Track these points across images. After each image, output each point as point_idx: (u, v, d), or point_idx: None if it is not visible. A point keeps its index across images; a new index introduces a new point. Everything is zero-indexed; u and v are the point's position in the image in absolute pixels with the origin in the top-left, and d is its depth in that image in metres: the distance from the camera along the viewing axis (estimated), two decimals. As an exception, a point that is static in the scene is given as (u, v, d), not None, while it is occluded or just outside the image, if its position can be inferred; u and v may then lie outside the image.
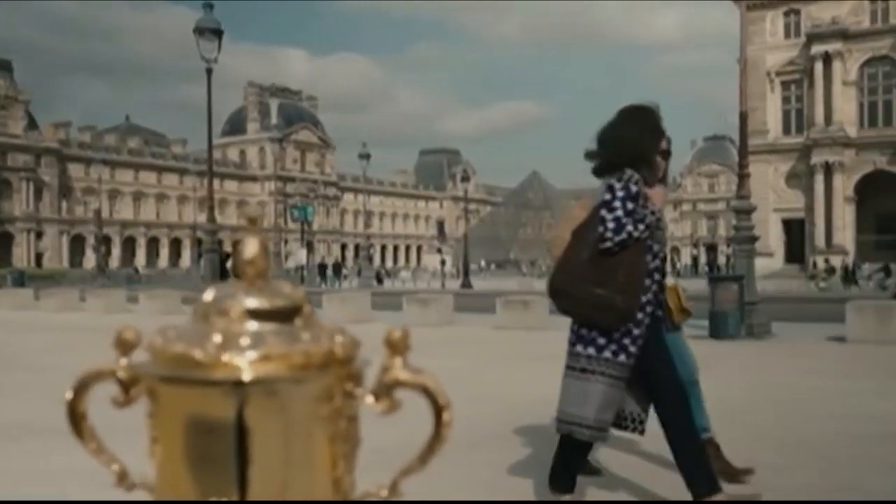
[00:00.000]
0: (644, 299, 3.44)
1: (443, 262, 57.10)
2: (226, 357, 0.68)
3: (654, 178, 3.59)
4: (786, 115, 56.84)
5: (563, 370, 3.58)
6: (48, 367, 9.03)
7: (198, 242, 58.48)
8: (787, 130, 56.53)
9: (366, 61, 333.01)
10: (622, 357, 3.41)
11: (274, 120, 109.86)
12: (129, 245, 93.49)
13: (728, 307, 11.48)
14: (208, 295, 0.76)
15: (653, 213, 3.46)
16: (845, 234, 53.81)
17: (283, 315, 0.74)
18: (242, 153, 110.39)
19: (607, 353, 3.41)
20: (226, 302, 0.74)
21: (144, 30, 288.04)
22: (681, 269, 63.72)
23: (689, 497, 3.48)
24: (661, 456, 4.53)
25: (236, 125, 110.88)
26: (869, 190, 53.90)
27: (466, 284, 38.78)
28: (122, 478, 0.80)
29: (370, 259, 50.16)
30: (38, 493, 4.13)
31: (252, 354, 0.68)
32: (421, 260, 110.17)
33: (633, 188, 3.42)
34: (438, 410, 0.76)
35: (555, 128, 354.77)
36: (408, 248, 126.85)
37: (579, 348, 3.47)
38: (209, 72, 18.05)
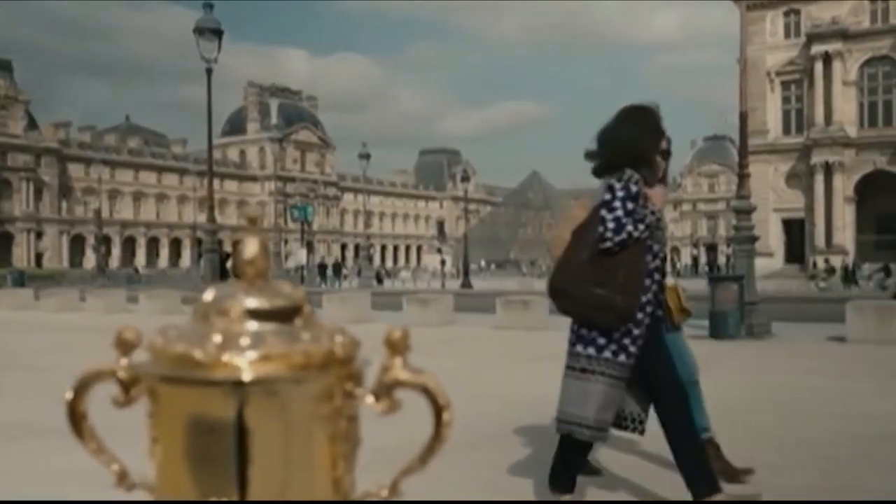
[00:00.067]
0: (644, 299, 3.44)
1: (443, 262, 57.10)
2: (226, 357, 0.68)
3: (655, 178, 3.59)
4: (786, 115, 56.85)
5: (563, 370, 3.58)
6: (48, 368, 9.03)
7: (198, 242, 58.47)
8: (787, 130, 56.55)
9: (366, 61, 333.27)
10: (622, 357, 3.41)
11: (274, 120, 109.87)
12: (129, 245, 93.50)
13: (728, 307, 11.48)
14: (208, 295, 0.76)
15: (653, 213, 3.46)
16: (845, 234, 53.82)
17: (284, 315, 0.74)
18: (242, 153, 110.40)
19: (607, 353, 3.41)
20: (226, 302, 0.74)
21: (144, 30, 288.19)
22: (681, 269, 63.72)
23: (688, 497, 3.48)
24: (660, 456, 4.53)
25: (236, 125, 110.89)
26: (869, 190, 53.91)
27: (466, 284, 38.77)
28: (123, 478, 0.80)
29: (370, 259, 50.16)
30: (38, 493, 4.13)
31: (252, 354, 0.69)
32: (421, 260, 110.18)
33: (633, 188, 3.42)
34: (439, 410, 0.76)
35: (555, 128, 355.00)
36: (408, 248, 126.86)
37: (579, 348, 3.47)
38: (209, 72, 18.06)
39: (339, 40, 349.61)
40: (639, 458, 4.71)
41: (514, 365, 9.42)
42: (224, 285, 0.78)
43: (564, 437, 3.58)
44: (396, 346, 0.75)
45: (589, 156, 3.70)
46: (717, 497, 3.41)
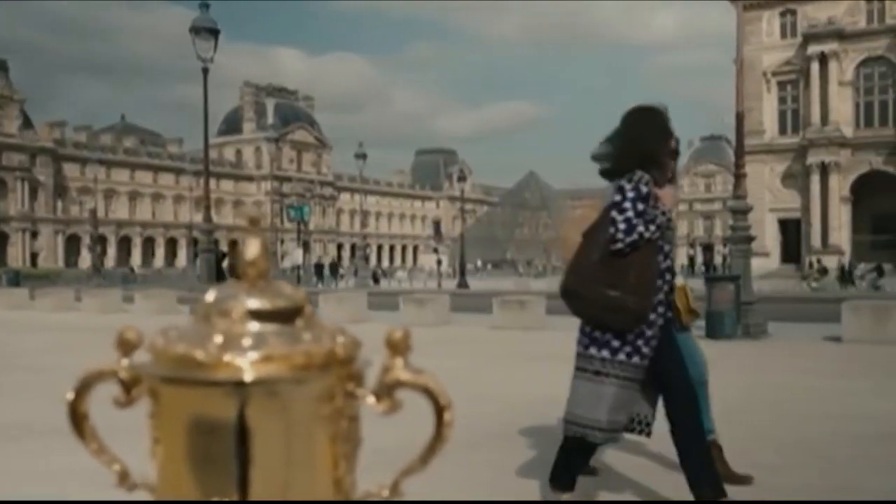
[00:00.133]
0: (656, 300, 3.43)
1: (439, 262, 57.00)
2: (227, 357, 0.68)
3: (664, 178, 3.58)
4: (782, 115, 56.95)
5: (572, 371, 3.56)
6: (47, 368, 9.02)
7: (194, 242, 58.37)
8: (783, 130, 56.65)
9: (362, 61, 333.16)
10: (636, 359, 3.40)
11: (270, 120, 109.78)
12: (124, 245, 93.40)
13: (724, 307, 11.48)
14: (210, 296, 0.76)
15: (663, 213, 3.45)
16: (841, 235, 53.92)
17: (285, 316, 0.74)
18: (238, 153, 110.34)
19: (622, 356, 3.39)
20: (227, 303, 0.74)
21: (141, 29, 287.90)
22: (676, 270, 63.71)
23: (688, 496, 3.47)
24: (660, 455, 4.53)
25: (232, 125, 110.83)
26: (865, 190, 54.02)
27: (463, 284, 38.74)
28: (124, 478, 0.80)
29: (366, 259, 50.14)
30: (38, 493, 4.12)
31: (254, 355, 0.69)
32: (417, 260, 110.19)
33: (644, 189, 3.41)
34: (440, 411, 0.76)
35: (552, 128, 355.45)
36: (404, 248, 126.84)
37: (593, 351, 3.45)
38: (205, 71, 18.03)
39: (336, 40, 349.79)
40: (638, 457, 4.70)
41: (512, 365, 9.41)
42: (225, 286, 0.78)
43: (571, 438, 3.56)
44: (397, 347, 0.75)
45: (596, 158, 3.68)
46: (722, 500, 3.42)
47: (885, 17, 53.53)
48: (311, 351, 0.70)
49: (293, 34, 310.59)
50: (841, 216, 54.25)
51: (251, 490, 0.69)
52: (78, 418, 0.78)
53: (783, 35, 56.41)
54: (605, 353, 3.41)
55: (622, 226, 3.35)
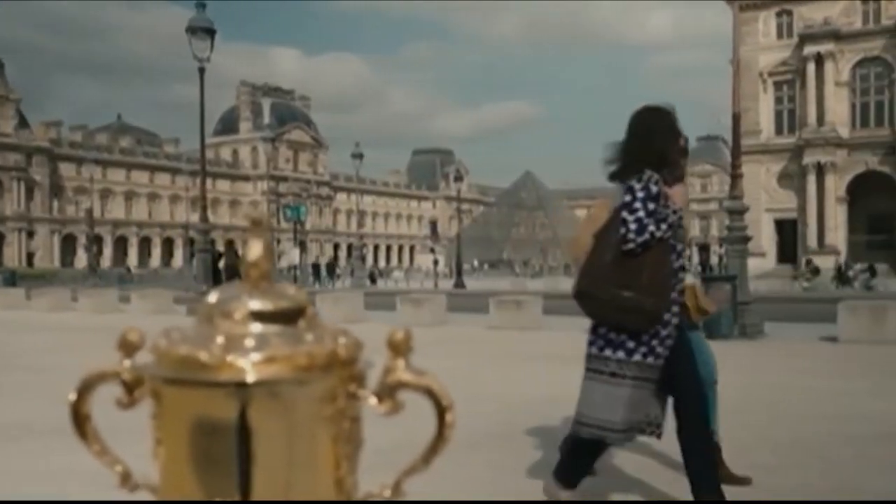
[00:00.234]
0: (671, 299, 3.43)
1: (436, 262, 57.12)
2: (230, 359, 0.69)
3: (674, 177, 3.57)
4: (778, 115, 57.02)
5: (582, 373, 3.54)
6: (46, 367, 9.03)
7: (190, 242, 58.30)
8: (779, 131, 56.72)
9: (359, 61, 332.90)
10: (651, 359, 3.39)
11: (266, 119, 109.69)
12: (120, 245, 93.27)
13: (721, 307, 11.49)
14: (212, 297, 0.77)
15: (674, 212, 3.44)
16: (837, 235, 54.00)
17: (287, 317, 0.74)
18: (235, 153, 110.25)
19: (637, 357, 3.38)
20: (230, 304, 0.74)
21: (137, 29, 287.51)
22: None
23: (687, 495, 3.48)
24: (660, 454, 4.53)
25: (228, 125, 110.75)
26: (861, 190, 54.10)
27: (459, 284, 38.75)
28: (126, 479, 0.80)
29: (363, 259, 50.10)
30: (38, 493, 4.12)
31: (256, 356, 0.69)
32: (414, 260, 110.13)
33: (654, 188, 3.40)
34: (441, 411, 0.76)
35: (548, 128, 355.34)
36: (401, 248, 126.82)
37: (608, 353, 3.43)
38: (201, 71, 18.04)
39: (333, 40, 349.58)
40: (638, 456, 4.70)
41: (510, 365, 9.41)
42: (228, 287, 0.78)
43: (582, 439, 3.56)
44: (399, 348, 0.76)
45: (609, 162, 3.65)
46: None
47: (881, 18, 53.62)
48: (313, 352, 0.71)
49: (290, 34, 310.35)
50: (837, 216, 54.34)
51: (253, 491, 0.69)
52: (80, 419, 0.78)
53: (779, 35, 56.49)
54: (621, 355, 3.40)
55: (633, 226, 3.34)
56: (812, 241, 53.73)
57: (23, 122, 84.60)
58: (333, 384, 0.72)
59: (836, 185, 54.34)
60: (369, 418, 0.77)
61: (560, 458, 3.74)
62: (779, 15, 56.33)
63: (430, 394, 0.76)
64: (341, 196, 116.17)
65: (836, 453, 4.92)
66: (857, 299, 14.34)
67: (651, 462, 4.59)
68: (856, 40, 54.11)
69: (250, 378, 0.68)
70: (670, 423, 3.56)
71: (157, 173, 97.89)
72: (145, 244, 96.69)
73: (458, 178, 51.25)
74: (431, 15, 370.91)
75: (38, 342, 12.30)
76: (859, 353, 9.90)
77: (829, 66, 54.08)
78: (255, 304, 0.74)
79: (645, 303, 3.33)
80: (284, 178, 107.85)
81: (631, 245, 3.35)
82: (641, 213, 3.36)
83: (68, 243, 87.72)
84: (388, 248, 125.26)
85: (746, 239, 12.97)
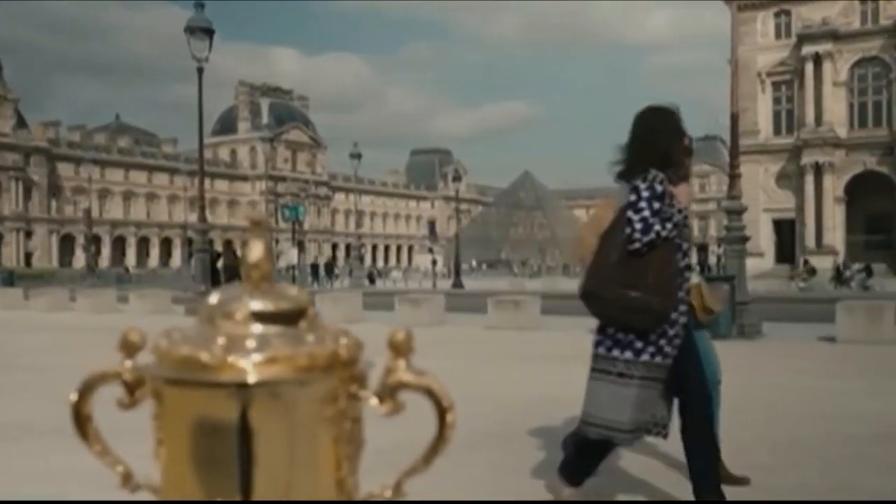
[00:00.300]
0: (678, 298, 3.43)
1: (434, 262, 57.16)
2: (231, 359, 0.69)
3: (678, 176, 3.58)
4: (776, 115, 57.06)
5: (588, 373, 3.53)
6: (46, 367, 9.03)
7: (188, 242, 58.27)
8: (777, 131, 56.75)
9: (358, 61, 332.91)
10: (659, 358, 3.39)
11: (265, 119, 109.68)
12: (119, 245, 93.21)
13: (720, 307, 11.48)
14: (213, 298, 0.77)
15: (679, 211, 3.44)
16: (835, 235, 54.03)
17: (288, 317, 0.75)
18: (233, 153, 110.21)
19: (645, 357, 3.38)
20: (231, 305, 0.74)
21: (136, 29, 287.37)
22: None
23: (685, 494, 3.49)
24: (659, 453, 4.53)
25: (227, 125, 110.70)
26: (859, 190, 54.13)
27: (458, 284, 38.75)
28: (127, 479, 0.80)
29: (361, 259, 50.10)
30: (38, 493, 4.12)
31: (257, 357, 0.69)
32: (412, 260, 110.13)
33: (659, 188, 3.40)
34: (442, 412, 0.77)
35: (547, 128, 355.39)
36: (399, 248, 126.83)
37: (616, 353, 3.42)
38: (200, 71, 18.04)
39: (332, 40, 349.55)
40: (637, 455, 4.70)
41: (508, 365, 9.42)
42: (229, 288, 0.78)
43: (588, 439, 3.56)
44: (400, 349, 0.76)
45: (614, 164, 3.66)
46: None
47: (879, 18, 53.65)
48: (314, 353, 0.71)
49: (289, 34, 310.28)
50: (835, 216, 54.37)
51: (254, 491, 0.69)
52: (81, 420, 0.78)
53: (777, 35, 56.52)
54: (629, 355, 3.39)
55: (639, 225, 3.34)
56: (810, 241, 53.76)
57: (21, 122, 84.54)
58: (334, 385, 0.72)
59: (834, 186, 54.37)
60: (370, 418, 0.77)
61: (565, 455, 3.74)
62: (777, 15, 56.37)
63: (430, 394, 0.76)
64: (340, 196, 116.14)
65: (835, 453, 4.92)
66: (854, 299, 14.35)
67: (652, 462, 4.60)
68: (854, 40, 54.15)
69: (251, 379, 0.68)
70: (673, 423, 3.57)
71: (155, 173, 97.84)
72: (143, 244, 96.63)
73: (457, 179, 51.24)
74: (431, 15, 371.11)
75: (36, 342, 12.30)
76: (857, 353, 9.91)
77: (827, 67, 54.12)
78: (257, 305, 0.74)
79: (652, 302, 3.33)
80: (283, 178, 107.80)
81: (637, 245, 3.35)
82: (647, 213, 3.36)
83: (66, 243, 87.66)
84: (387, 248, 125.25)
85: (745, 239, 12.97)
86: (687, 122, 3.69)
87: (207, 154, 77.16)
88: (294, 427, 0.70)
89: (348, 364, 0.73)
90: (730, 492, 3.69)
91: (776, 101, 57.03)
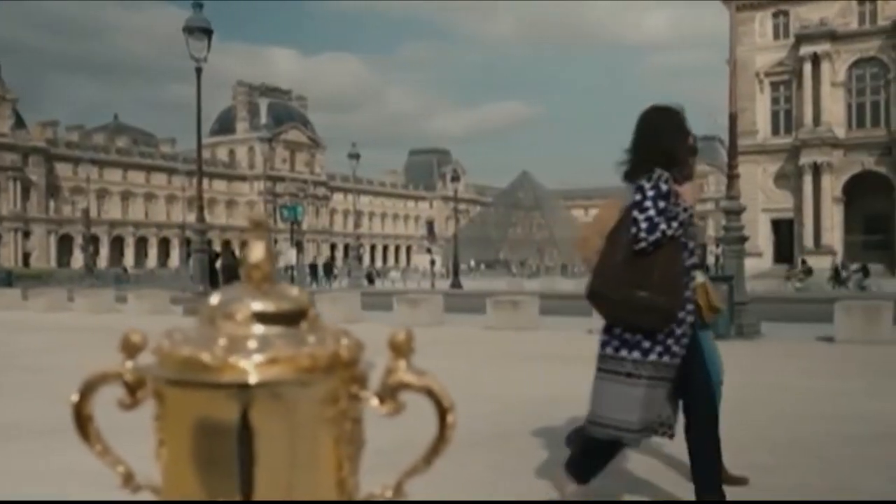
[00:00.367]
0: (685, 297, 3.42)
1: (432, 262, 57.13)
2: (232, 360, 0.69)
3: (683, 176, 3.57)
4: (774, 115, 57.09)
5: (594, 373, 3.51)
6: (45, 367, 9.04)
7: (187, 242, 58.21)
8: (775, 131, 56.78)
9: (356, 61, 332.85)
10: (667, 358, 3.38)
11: (263, 119, 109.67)
12: (117, 245, 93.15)
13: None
14: (214, 298, 0.77)
15: (685, 209, 3.44)
16: (833, 235, 54.07)
17: (289, 318, 0.75)
18: (232, 153, 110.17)
19: (653, 356, 3.37)
20: (232, 305, 0.75)
21: (135, 29, 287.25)
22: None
23: (690, 495, 3.49)
24: (663, 455, 4.53)
25: (225, 124, 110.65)
26: (857, 190, 54.18)
27: (456, 284, 38.73)
28: (128, 479, 0.80)
29: (360, 259, 50.09)
30: (38, 493, 4.12)
31: (259, 357, 0.69)
32: (411, 260, 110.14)
33: (664, 187, 3.39)
34: (443, 412, 0.77)
35: (545, 128, 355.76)
36: (397, 248, 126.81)
37: (624, 353, 3.41)
38: (199, 71, 18.03)
39: (330, 40, 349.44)
40: (638, 454, 4.70)
41: (507, 365, 9.42)
42: (230, 289, 0.78)
43: (596, 439, 3.55)
44: (401, 349, 0.76)
45: (621, 164, 3.65)
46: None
47: (877, 19, 53.70)
48: (315, 353, 0.71)
49: (287, 34, 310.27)
50: (833, 216, 54.41)
51: (256, 492, 0.70)
52: (82, 420, 0.79)
53: (776, 36, 56.56)
54: (637, 355, 3.38)
55: (644, 225, 3.33)
56: (808, 241, 53.80)
57: (19, 122, 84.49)
58: (335, 385, 0.72)
59: (833, 186, 54.41)
60: (370, 419, 0.78)
61: (573, 452, 3.73)
62: (775, 15, 56.41)
63: (431, 395, 0.76)
64: (338, 196, 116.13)
65: (834, 453, 4.92)
66: (852, 299, 14.36)
67: (653, 462, 4.59)
68: (852, 41, 54.20)
69: (253, 379, 0.68)
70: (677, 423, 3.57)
71: (153, 173, 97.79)
72: (142, 244, 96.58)
73: (455, 179, 51.19)
74: (429, 15, 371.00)
75: (35, 342, 12.29)
76: (856, 353, 9.92)
77: (825, 67, 54.16)
78: (258, 306, 0.74)
79: (659, 301, 3.32)
80: (281, 179, 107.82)
81: (643, 244, 3.33)
82: (652, 212, 3.34)
83: (65, 243, 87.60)
84: (385, 249, 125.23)
85: (743, 239, 12.98)
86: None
87: (206, 154, 77.16)
88: (295, 428, 0.70)
89: (349, 365, 0.73)
90: (729, 492, 3.69)
91: (774, 101, 57.07)
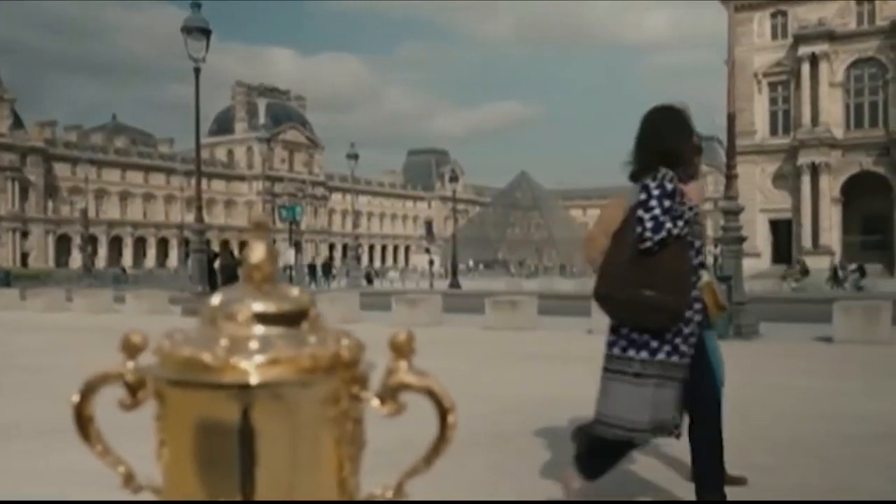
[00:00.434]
0: (692, 296, 3.42)
1: (431, 263, 57.08)
2: (234, 360, 0.69)
3: (688, 175, 3.57)
4: (773, 115, 57.12)
5: (601, 373, 3.50)
6: (44, 367, 9.04)
7: (185, 242, 58.20)
8: (773, 131, 56.81)
9: (355, 61, 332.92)
10: (675, 357, 3.37)
11: (262, 120, 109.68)
12: (115, 245, 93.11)
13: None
14: (215, 299, 0.77)
15: (690, 208, 3.43)
16: (832, 235, 54.10)
17: (291, 319, 0.75)
18: (230, 153, 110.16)
19: (661, 356, 3.36)
20: (233, 306, 0.75)
21: (133, 29, 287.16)
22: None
23: (691, 495, 3.50)
24: (664, 454, 4.53)
25: (224, 125, 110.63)
26: (855, 191, 54.22)
27: (455, 285, 38.73)
28: (129, 480, 0.81)
29: (358, 259, 50.08)
30: (38, 493, 4.11)
31: (260, 358, 0.69)
32: (409, 260, 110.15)
33: (669, 186, 3.38)
34: (443, 413, 0.77)
35: (544, 128, 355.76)
36: (396, 249, 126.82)
37: (632, 353, 3.40)
38: (197, 71, 18.01)
39: (328, 40, 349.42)
40: (640, 455, 4.70)
41: (506, 365, 9.42)
42: (231, 289, 0.79)
43: (605, 439, 3.54)
44: (401, 350, 0.76)
45: (627, 164, 3.65)
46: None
47: (876, 19, 53.73)
48: (316, 354, 0.71)
49: (286, 34, 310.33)
50: (831, 217, 54.44)
51: (257, 492, 0.70)
52: (84, 421, 0.79)
53: (774, 36, 56.59)
54: (644, 355, 3.37)
55: (650, 224, 3.32)
56: (807, 241, 53.84)
57: (17, 122, 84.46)
58: (336, 386, 0.72)
59: (831, 186, 54.45)
60: (370, 419, 0.78)
61: (580, 449, 3.71)
62: (773, 16, 56.44)
63: (432, 395, 0.76)
64: (336, 196, 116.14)
65: (834, 453, 4.92)
66: (850, 299, 14.37)
67: (654, 461, 4.59)
68: (850, 41, 54.23)
69: (254, 380, 0.68)
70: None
71: (151, 173, 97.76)
72: (140, 244, 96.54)
73: (454, 179, 51.16)
74: (428, 15, 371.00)
75: (33, 342, 12.28)
76: (854, 353, 9.92)
77: (823, 67, 54.20)
78: (259, 307, 0.74)
79: (666, 301, 3.31)
80: (280, 179, 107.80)
81: (648, 243, 3.32)
82: (657, 211, 3.33)
83: (63, 243, 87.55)
84: (384, 249, 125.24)
85: (741, 239, 12.98)
86: (688, 122, 3.68)
87: (204, 154, 77.02)
88: (296, 428, 0.71)
89: (350, 365, 0.73)
90: (729, 492, 3.70)
91: (772, 101, 57.10)
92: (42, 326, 15.46)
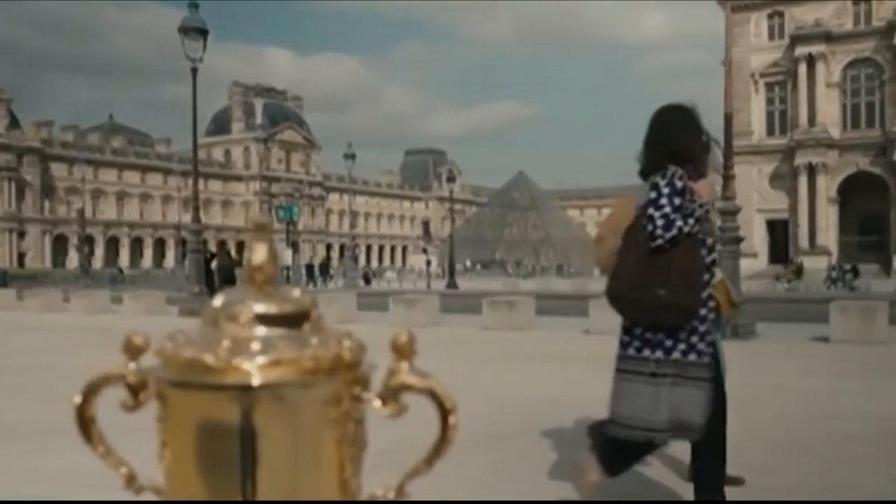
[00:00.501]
0: (705, 294, 3.40)
1: (428, 263, 57.01)
2: (236, 362, 0.69)
3: (698, 173, 3.56)
4: (770, 116, 57.23)
5: (615, 374, 3.48)
6: (42, 368, 9.04)
7: (182, 242, 58.17)
8: (770, 131, 56.92)
9: (352, 61, 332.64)
10: (692, 356, 3.34)
11: (259, 120, 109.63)
12: (112, 245, 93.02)
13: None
14: (217, 301, 0.77)
15: (701, 206, 3.42)
16: (829, 235, 54.20)
17: (292, 320, 0.75)
18: (227, 153, 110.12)
19: (676, 354, 3.34)
20: (235, 307, 0.75)
21: (131, 29, 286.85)
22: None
23: (691, 495, 3.49)
24: (662, 454, 4.52)
25: (221, 125, 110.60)
26: (852, 191, 54.33)
27: (452, 285, 38.74)
28: (131, 480, 0.81)
29: (356, 259, 50.08)
30: (38, 493, 4.11)
31: (262, 359, 0.69)
32: (406, 260, 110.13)
33: (679, 183, 3.37)
34: (445, 414, 0.77)
35: (541, 128, 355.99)
36: (393, 249, 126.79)
37: (647, 353, 3.38)
38: (194, 71, 18.00)
39: (326, 40, 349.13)
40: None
41: (504, 365, 9.41)
42: (233, 291, 0.79)
43: (624, 440, 3.51)
44: (403, 350, 0.76)
45: (639, 160, 3.65)
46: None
47: (872, 19, 53.86)
48: (318, 355, 0.71)
49: (283, 34, 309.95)
50: (828, 217, 54.54)
51: (258, 493, 0.70)
52: (85, 422, 0.79)
53: (771, 37, 56.70)
54: (660, 354, 3.35)
55: (660, 222, 3.31)
56: (803, 241, 53.93)
57: (14, 122, 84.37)
58: (338, 387, 0.72)
59: (828, 186, 54.56)
60: (371, 419, 0.78)
61: (606, 447, 3.66)
62: (770, 16, 56.55)
63: (433, 396, 0.76)
64: (334, 196, 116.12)
65: (834, 453, 4.92)
66: (848, 300, 14.38)
67: (653, 461, 4.58)
68: (847, 41, 54.36)
69: (256, 381, 0.69)
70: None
71: (148, 173, 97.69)
72: (137, 245, 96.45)
73: (451, 179, 51.18)
74: (426, 15, 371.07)
75: (30, 343, 12.26)
76: (852, 353, 9.93)
77: (820, 68, 54.30)
78: (261, 308, 0.74)
79: (679, 299, 3.29)
80: (277, 179, 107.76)
81: (659, 241, 3.30)
82: (668, 209, 3.32)
83: (60, 244, 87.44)
84: (381, 249, 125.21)
85: (738, 240, 12.99)
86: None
87: (201, 154, 76.94)
88: (298, 429, 0.71)
89: (352, 366, 0.73)
90: (728, 492, 3.70)
91: (769, 101, 57.22)
92: (39, 327, 15.43)
